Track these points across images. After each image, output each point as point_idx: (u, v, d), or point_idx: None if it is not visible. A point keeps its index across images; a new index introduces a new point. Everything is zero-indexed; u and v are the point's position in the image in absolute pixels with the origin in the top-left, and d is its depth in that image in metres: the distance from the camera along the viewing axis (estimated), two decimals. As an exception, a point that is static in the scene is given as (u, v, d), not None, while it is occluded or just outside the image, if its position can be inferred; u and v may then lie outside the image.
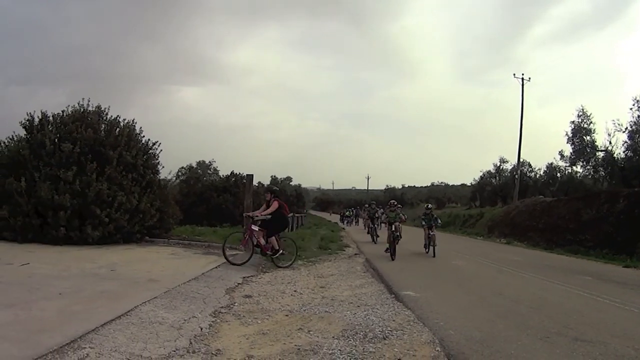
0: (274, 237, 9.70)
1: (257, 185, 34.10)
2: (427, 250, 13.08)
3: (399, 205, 15.29)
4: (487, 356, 4.10)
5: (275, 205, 9.72)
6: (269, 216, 9.68)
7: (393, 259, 11.48)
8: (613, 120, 25.38)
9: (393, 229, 12.27)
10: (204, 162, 47.79)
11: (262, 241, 9.64)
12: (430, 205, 14.40)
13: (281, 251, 9.81)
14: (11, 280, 6.01)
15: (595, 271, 10.69)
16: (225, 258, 8.94)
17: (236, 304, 5.98)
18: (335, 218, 48.66)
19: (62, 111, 11.34)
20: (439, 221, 13.47)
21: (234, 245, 10.54)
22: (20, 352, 3.46)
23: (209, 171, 45.19)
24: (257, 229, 9.52)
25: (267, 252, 9.70)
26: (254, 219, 9.60)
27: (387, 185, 79.41)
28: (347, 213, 39.18)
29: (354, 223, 34.87)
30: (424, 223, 13.27)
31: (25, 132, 10.91)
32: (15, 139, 10.91)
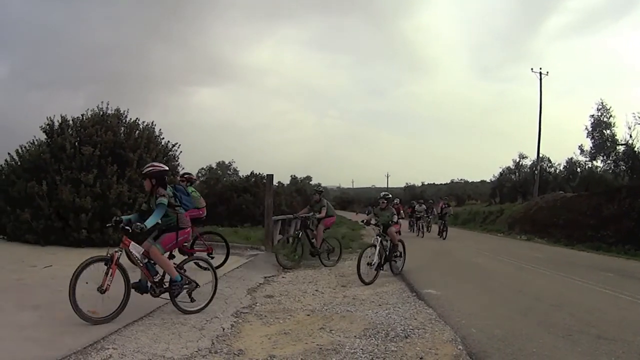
0: None
1: (277, 185, 34.21)
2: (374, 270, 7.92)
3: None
4: (509, 354, 4.06)
5: None
6: None
7: None
8: (633, 113, 24.69)
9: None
10: (223, 162, 48.19)
11: None
12: (385, 194, 8.76)
13: None
14: (35, 282, 6.14)
15: (617, 267, 10.52)
16: None
17: (258, 304, 6.03)
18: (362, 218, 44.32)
19: (82, 115, 11.47)
20: (397, 218, 8.43)
21: (256, 245, 10.68)
22: (44, 353, 3.55)
23: (228, 172, 45.42)
24: None
25: None
26: None
27: (407, 183, 77.85)
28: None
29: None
30: (374, 222, 8.41)
31: (45, 136, 11.05)
32: (36, 143, 11.06)
